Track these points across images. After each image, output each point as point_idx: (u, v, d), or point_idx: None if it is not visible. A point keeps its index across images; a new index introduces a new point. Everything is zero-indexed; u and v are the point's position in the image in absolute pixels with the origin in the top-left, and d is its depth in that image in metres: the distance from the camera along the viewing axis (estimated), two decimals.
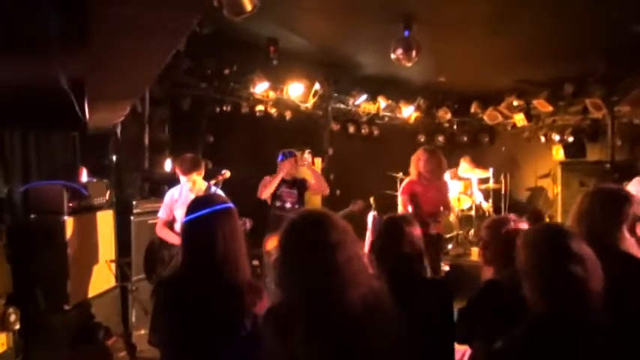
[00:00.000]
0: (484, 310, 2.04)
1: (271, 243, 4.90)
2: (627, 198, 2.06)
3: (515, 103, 8.14)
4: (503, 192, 8.07)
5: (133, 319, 4.66)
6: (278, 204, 5.14)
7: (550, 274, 1.59)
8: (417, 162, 5.02)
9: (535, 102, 7.80)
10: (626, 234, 2.00)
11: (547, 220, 7.69)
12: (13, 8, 2.25)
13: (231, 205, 1.96)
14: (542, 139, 8.53)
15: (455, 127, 9.39)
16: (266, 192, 5.02)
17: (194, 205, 1.97)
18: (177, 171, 4.30)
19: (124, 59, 1.91)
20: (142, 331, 4.77)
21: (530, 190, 8.88)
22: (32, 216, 4.19)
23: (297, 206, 5.16)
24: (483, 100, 8.61)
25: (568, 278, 1.55)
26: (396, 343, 1.53)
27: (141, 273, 4.97)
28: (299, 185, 5.33)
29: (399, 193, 5.44)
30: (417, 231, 2.26)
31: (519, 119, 8.27)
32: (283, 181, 5.18)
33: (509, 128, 8.86)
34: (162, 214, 4.51)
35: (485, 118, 8.61)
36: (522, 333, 1.59)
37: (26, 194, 4.41)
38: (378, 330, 1.50)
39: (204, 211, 1.90)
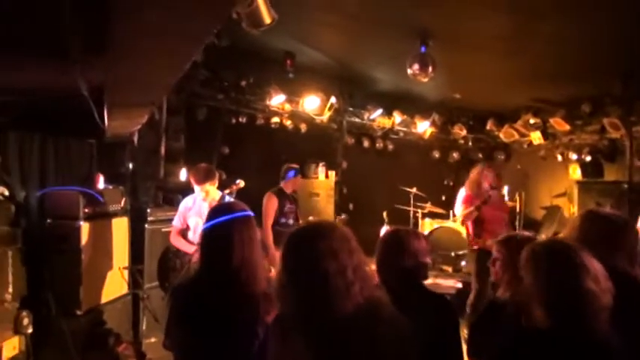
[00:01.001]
0: (488, 329, 2.01)
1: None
2: (624, 225, 2.03)
3: (531, 121, 8.08)
4: (517, 210, 7.99)
5: (144, 326, 4.67)
6: (282, 220, 5.16)
7: (561, 289, 1.56)
8: (480, 178, 5.01)
9: (552, 120, 7.74)
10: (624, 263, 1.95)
11: None
12: (35, 17, 2.31)
13: (250, 213, 1.97)
14: (559, 157, 8.44)
15: (470, 143, 9.34)
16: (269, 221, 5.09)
17: (215, 212, 1.99)
18: (191, 180, 4.34)
19: (143, 67, 1.95)
20: (153, 339, 4.78)
21: (545, 209, 8.76)
22: (48, 221, 4.24)
23: (295, 222, 5.22)
24: (499, 117, 8.56)
25: (580, 293, 1.53)
26: (398, 353, 1.51)
27: (153, 281, 4.99)
28: (296, 201, 5.49)
29: (458, 204, 5.46)
30: (421, 244, 2.22)
31: (536, 137, 8.21)
32: (286, 197, 5.25)
33: (525, 146, 8.79)
34: (176, 222, 4.54)
35: (501, 135, 8.56)
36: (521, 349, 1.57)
37: (42, 199, 4.47)
38: (376, 340, 1.48)
39: (223, 218, 1.92)
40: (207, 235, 1.97)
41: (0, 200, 3.83)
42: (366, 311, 1.50)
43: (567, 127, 7.67)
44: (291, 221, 5.18)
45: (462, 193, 7.06)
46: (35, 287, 4.05)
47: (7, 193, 4.09)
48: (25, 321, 3.78)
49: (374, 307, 1.53)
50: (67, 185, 4.57)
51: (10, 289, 3.77)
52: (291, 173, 5.29)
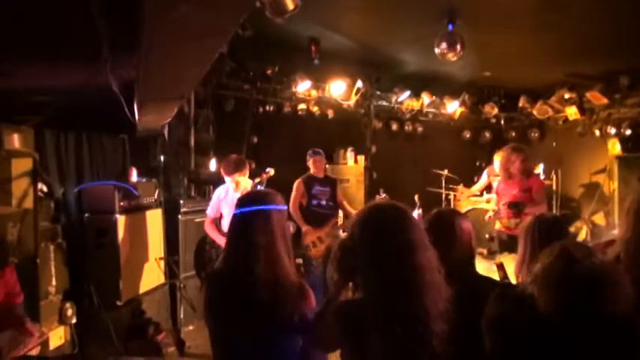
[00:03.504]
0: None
1: (310, 237, 5.26)
2: None
3: (566, 96, 7.89)
4: (554, 189, 7.87)
5: (182, 315, 4.84)
6: (314, 202, 5.47)
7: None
8: (507, 164, 4.93)
9: (588, 94, 7.55)
10: None
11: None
12: (65, 19, 2.41)
13: (275, 205, 1.99)
14: (597, 133, 8.24)
15: (502, 122, 9.20)
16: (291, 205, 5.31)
17: (241, 201, 2.05)
18: (222, 172, 4.44)
19: (171, 62, 2.02)
20: (190, 327, 4.95)
21: (583, 187, 8.59)
22: (86, 215, 4.42)
23: (331, 203, 5.51)
24: (531, 94, 8.39)
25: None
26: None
27: (188, 270, 5.15)
28: (331, 183, 5.66)
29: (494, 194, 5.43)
30: (467, 225, 2.21)
31: (572, 113, 8.01)
32: (315, 180, 5.52)
33: (560, 123, 8.59)
34: (210, 211, 4.67)
35: (534, 112, 8.39)
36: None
37: (80, 195, 4.65)
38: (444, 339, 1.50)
39: (245, 209, 1.98)
40: (231, 223, 2.04)
41: (40, 197, 3.98)
42: (442, 309, 1.52)
43: (605, 101, 7.47)
44: (323, 202, 5.49)
45: (484, 179, 7.02)
46: (77, 280, 4.24)
47: (45, 189, 4.25)
48: (69, 312, 3.98)
49: (447, 304, 1.54)
50: (103, 180, 4.74)
51: (54, 282, 3.96)
52: (308, 156, 5.63)
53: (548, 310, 1.42)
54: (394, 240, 1.55)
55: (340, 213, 5.63)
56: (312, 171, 5.58)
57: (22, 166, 3.77)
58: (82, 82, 3.57)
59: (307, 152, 5.68)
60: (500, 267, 2.33)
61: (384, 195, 6.11)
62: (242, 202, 2.03)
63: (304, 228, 5.28)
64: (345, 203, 5.75)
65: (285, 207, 2.05)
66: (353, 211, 5.53)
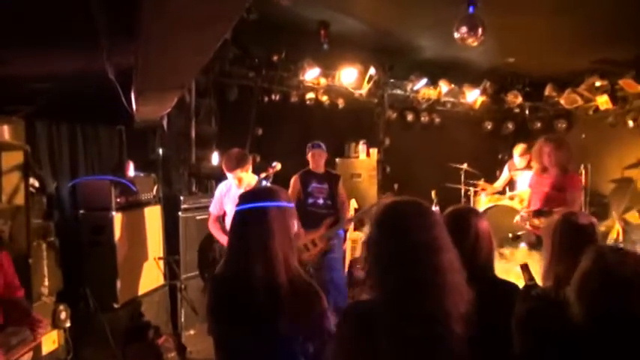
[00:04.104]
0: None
1: (302, 240, 5.04)
2: None
3: (597, 83, 7.82)
4: (583, 185, 7.82)
5: (182, 318, 4.87)
6: (310, 200, 5.36)
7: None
8: (539, 155, 4.86)
9: (621, 82, 7.49)
10: None
11: None
12: (60, 1, 2.43)
13: (273, 202, 1.99)
14: (630, 123, 8.17)
15: (526, 112, 9.14)
16: None
17: (240, 199, 2.07)
18: (223, 168, 4.44)
19: (172, 49, 2.03)
20: (192, 331, 4.99)
21: (614, 183, 8.53)
22: (81, 212, 4.46)
23: (329, 202, 5.36)
24: (559, 81, 8.33)
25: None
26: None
27: (189, 271, 5.19)
28: (330, 180, 5.47)
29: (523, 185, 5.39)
30: (484, 225, 2.21)
31: (603, 102, 7.95)
32: (312, 176, 5.39)
33: (590, 112, 8.53)
34: (212, 209, 4.69)
35: (561, 101, 8.33)
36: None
37: (74, 190, 4.70)
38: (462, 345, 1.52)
39: (242, 207, 2.01)
40: (230, 224, 2.06)
41: (31, 193, 4.02)
42: (462, 313, 1.52)
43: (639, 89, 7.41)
44: (320, 201, 5.34)
45: (505, 174, 6.99)
46: (71, 281, 4.28)
47: (37, 184, 4.29)
48: (63, 315, 4.01)
49: (468, 308, 1.55)
50: (98, 174, 4.78)
51: (46, 283, 4.00)
52: (307, 149, 5.50)
53: (582, 315, 1.48)
54: (415, 238, 1.56)
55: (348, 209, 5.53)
56: (310, 165, 5.46)
57: (12, 159, 3.81)
58: (76, 69, 3.61)
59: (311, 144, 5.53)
60: (525, 268, 2.33)
61: (388, 193, 6.06)
62: (240, 199, 2.06)
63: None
64: (346, 205, 5.55)
65: (288, 204, 2.03)
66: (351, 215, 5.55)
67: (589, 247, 1.65)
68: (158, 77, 2.61)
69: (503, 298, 2.04)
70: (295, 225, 2.07)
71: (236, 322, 1.93)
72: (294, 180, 5.40)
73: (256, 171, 4.59)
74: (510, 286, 2.18)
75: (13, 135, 3.83)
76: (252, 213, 1.98)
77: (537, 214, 4.61)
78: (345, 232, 5.87)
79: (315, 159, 5.41)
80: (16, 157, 3.81)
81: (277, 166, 4.40)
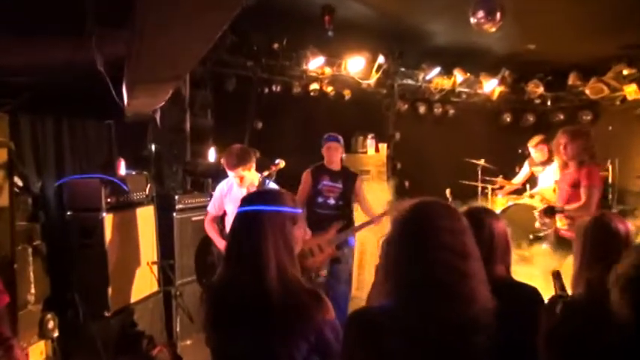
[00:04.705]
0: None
1: (307, 244, 4.73)
2: None
3: (625, 72, 7.83)
4: (610, 181, 7.80)
5: (178, 327, 4.89)
6: (319, 200, 5.13)
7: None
8: (555, 148, 4.85)
9: None
10: None
11: None
12: None
13: (266, 206, 2.00)
14: None
15: (548, 103, 9.14)
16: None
17: (241, 202, 2.09)
18: (224, 165, 4.45)
19: (168, 38, 2.03)
20: (188, 341, 5.02)
21: None
22: (68, 213, 4.48)
23: (340, 203, 5.12)
24: (583, 70, 8.33)
25: None
26: None
27: (185, 276, 5.21)
28: (346, 178, 5.24)
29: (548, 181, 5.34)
30: (501, 226, 2.23)
31: (631, 91, 7.94)
32: (325, 172, 5.18)
33: (617, 103, 8.53)
34: (211, 208, 4.71)
35: (586, 91, 8.33)
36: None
37: (61, 189, 4.71)
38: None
39: (240, 209, 2.04)
40: (231, 227, 2.07)
41: (15, 193, 4.03)
42: (485, 324, 1.54)
43: None
44: (331, 201, 5.12)
45: (525, 170, 6.98)
46: (59, 287, 4.30)
47: (20, 183, 4.30)
48: (51, 324, 4.04)
49: (489, 317, 1.56)
50: (86, 173, 4.79)
51: (33, 290, 4.02)
52: (322, 141, 5.30)
53: (626, 321, 1.50)
54: (443, 241, 1.58)
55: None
56: (325, 160, 5.27)
57: None
58: (63, 59, 3.62)
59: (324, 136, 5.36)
60: (557, 276, 2.32)
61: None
62: (241, 202, 2.09)
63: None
64: (368, 206, 5.23)
65: (291, 209, 2.04)
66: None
67: (629, 249, 1.66)
68: (152, 68, 2.62)
69: (522, 303, 2.06)
70: (302, 231, 2.08)
71: (232, 332, 1.95)
72: (305, 175, 5.25)
73: (258, 168, 4.59)
74: (529, 290, 2.20)
75: None
76: (247, 217, 2.01)
77: (547, 212, 4.61)
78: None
79: (330, 153, 5.19)
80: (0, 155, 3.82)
81: (281, 163, 4.35)
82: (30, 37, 3.29)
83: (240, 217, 2.03)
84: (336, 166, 5.24)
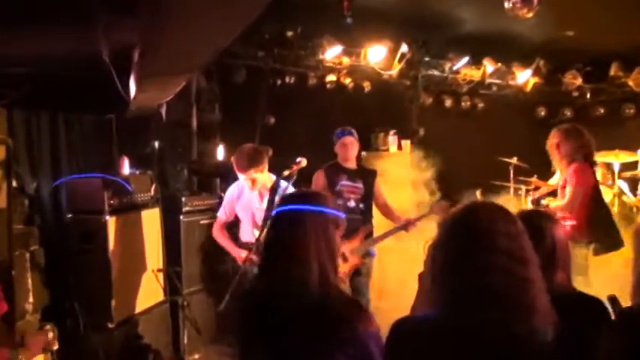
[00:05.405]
0: None
1: None
2: None
3: None
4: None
5: (185, 340, 4.94)
6: (338, 203, 4.81)
7: None
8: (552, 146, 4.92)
9: None
10: None
11: None
12: None
13: (319, 207, 2.01)
14: None
15: (587, 96, 9.11)
16: None
17: (282, 201, 2.12)
18: (234, 167, 4.47)
19: (190, 29, 2.06)
20: (196, 355, 5.06)
21: None
22: (68, 216, 4.53)
23: (361, 206, 5.02)
24: (626, 59, 8.30)
25: None
26: None
27: (192, 285, 5.25)
28: (365, 176, 5.18)
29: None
30: (560, 231, 2.21)
31: None
32: (342, 171, 5.09)
33: None
34: (221, 213, 4.74)
35: (629, 83, 8.32)
36: None
37: (58, 190, 4.77)
38: None
39: (280, 209, 2.05)
40: (269, 229, 2.09)
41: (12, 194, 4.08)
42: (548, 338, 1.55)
43: None
44: (352, 203, 4.99)
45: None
46: (58, 296, 4.36)
47: (14, 184, 4.34)
48: (50, 335, 4.09)
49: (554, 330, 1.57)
50: (84, 172, 4.83)
51: (31, 299, 4.08)
52: (335, 137, 5.21)
53: None
54: (499, 245, 1.58)
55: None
56: (339, 158, 5.18)
57: None
58: (65, 49, 3.68)
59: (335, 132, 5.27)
60: (614, 302, 2.30)
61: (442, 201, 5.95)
62: (279, 204, 2.11)
63: None
64: (390, 207, 5.23)
65: (336, 212, 2.05)
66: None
67: None
68: (169, 59, 2.65)
69: (587, 318, 2.03)
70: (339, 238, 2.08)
71: (268, 344, 1.95)
72: (317, 176, 5.11)
73: (272, 169, 4.59)
74: (594, 302, 2.17)
75: None
76: (288, 216, 2.01)
77: (534, 204, 4.89)
78: None
79: (346, 149, 5.09)
80: None
81: (302, 162, 4.24)
82: (30, 25, 3.33)
83: (280, 217, 2.04)
84: (352, 164, 5.18)
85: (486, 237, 1.61)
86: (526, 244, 1.64)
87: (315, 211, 2.00)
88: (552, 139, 4.88)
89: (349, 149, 5.11)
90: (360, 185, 5.07)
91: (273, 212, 2.09)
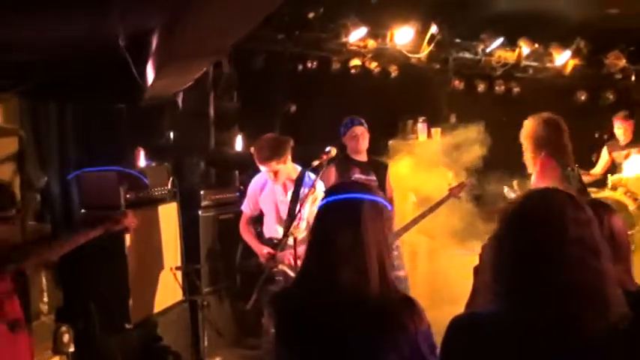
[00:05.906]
0: None
1: None
2: None
3: None
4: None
5: (205, 342, 4.96)
6: None
7: None
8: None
9: None
10: None
11: None
12: None
13: (369, 195, 1.99)
14: None
15: (632, 78, 9.02)
16: None
17: (327, 193, 2.09)
18: (255, 159, 4.48)
19: (221, 6, 2.05)
20: (217, 359, 5.09)
21: None
22: (82, 212, 4.57)
23: None
24: None
25: None
26: None
27: (212, 283, 5.28)
28: (377, 169, 5.25)
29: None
30: (619, 222, 2.17)
31: None
32: (354, 164, 5.17)
33: None
34: (245, 207, 4.75)
35: None
36: None
37: (69, 184, 4.81)
38: None
39: (330, 198, 2.01)
40: (319, 219, 2.05)
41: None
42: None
43: None
44: None
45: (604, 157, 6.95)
46: (73, 296, 4.41)
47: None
48: (66, 337, 4.15)
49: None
50: (94, 165, 4.85)
51: (46, 299, 4.13)
52: (342, 128, 5.25)
53: None
54: (573, 235, 1.56)
55: None
56: (349, 150, 5.25)
57: (4, 147, 3.90)
58: (78, 34, 3.69)
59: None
60: None
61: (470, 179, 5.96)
62: (326, 193, 2.08)
63: None
64: (394, 203, 5.24)
65: (383, 200, 2.03)
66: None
67: None
68: (194, 40, 2.64)
69: None
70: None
71: (313, 345, 1.95)
72: (327, 172, 4.90)
73: (296, 159, 4.58)
74: None
75: (4, 117, 3.94)
76: (342, 206, 1.98)
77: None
78: None
79: (358, 140, 5.16)
80: (9, 145, 3.90)
81: (332, 151, 4.26)
82: (42, 8, 3.35)
83: (332, 206, 2.01)
84: (363, 157, 5.26)
85: (557, 225, 1.58)
86: (596, 232, 1.61)
87: (371, 200, 1.98)
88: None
89: (360, 140, 5.18)
90: (373, 178, 5.15)
91: (323, 202, 2.05)
